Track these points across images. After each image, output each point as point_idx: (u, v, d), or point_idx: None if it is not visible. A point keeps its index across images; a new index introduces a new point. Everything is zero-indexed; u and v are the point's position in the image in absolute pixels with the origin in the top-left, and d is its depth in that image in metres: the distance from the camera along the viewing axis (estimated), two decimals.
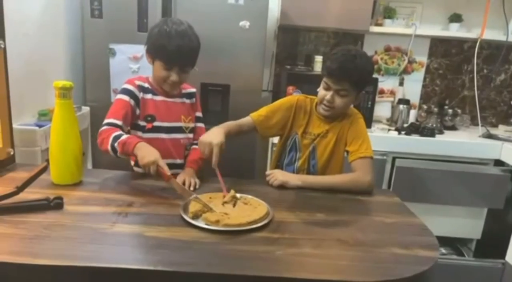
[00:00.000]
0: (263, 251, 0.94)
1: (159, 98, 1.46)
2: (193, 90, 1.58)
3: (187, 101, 1.54)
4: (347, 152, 1.48)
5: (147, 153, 1.22)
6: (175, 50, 1.34)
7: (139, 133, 1.44)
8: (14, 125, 1.43)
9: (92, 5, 2.03)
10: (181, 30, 1.36)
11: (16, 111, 1.40)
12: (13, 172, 1.30)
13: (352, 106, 1.55)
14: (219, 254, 0.92)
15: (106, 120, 1.35)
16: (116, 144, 1.26)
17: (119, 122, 1.35)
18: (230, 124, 1.46)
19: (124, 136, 1.28)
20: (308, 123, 1.53)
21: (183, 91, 1.54)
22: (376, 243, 1.02)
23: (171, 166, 1.44)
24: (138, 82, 1.44)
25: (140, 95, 1.43)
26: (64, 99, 1.19)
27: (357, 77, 1.38)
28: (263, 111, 1.54)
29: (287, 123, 1.54)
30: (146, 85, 1.45)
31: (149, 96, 1.45)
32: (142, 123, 1.44)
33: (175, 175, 1.31)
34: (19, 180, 1.09)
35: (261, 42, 2.14)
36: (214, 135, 1.31)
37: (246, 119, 1.53)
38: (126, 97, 1.39)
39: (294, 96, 1.58)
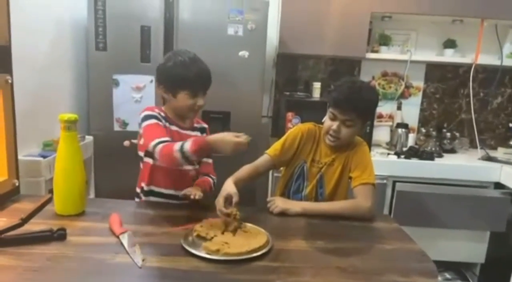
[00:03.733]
0: (263, 280, 0.95)
1: (173, 128, 1.45)
2: (205, 125, 1.59)
3: (199, 134, 1.54)
4: (350, 178, 1.50)
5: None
6: (196, 76, 1.37)
7: (151, 161, 1.44)
8: (19, 157, 1.46)
9: (97, 39, 2.10)
10: (193, 57, 1.40)
11: (21, 142, 1.42)
12: (18, 202, 1.32)
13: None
14: None
15: (155, 140, 1.28)
16: (188, 143, 1.21)
17: (169, 139, 1.31)
18: (244, 169, 1.46)
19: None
20: (316, 152, 1.54)
21: (195, 125, 1.55)
22: (375, 270, 1.03)
23: (173, 197, 1.46)
24: (156, 110, 1.43)
25: (162, 121, 1.41)
26: (69, 131, 1.22)
27: (363, 108, 1.42)
28: (278, 145, 1.54)
29: (296, 152, 1.56)
30: (162, 114, 1.44)
31: (166, 125, 1.43)
32: None
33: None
34: (24, 211, 1.11)
35: (260, 70, 2.21)
36: (224, 190, 1.32)
37: (263, 158, 1.53)
38: (156, 120, 1.38)
39: (304, 125, 1.58)
